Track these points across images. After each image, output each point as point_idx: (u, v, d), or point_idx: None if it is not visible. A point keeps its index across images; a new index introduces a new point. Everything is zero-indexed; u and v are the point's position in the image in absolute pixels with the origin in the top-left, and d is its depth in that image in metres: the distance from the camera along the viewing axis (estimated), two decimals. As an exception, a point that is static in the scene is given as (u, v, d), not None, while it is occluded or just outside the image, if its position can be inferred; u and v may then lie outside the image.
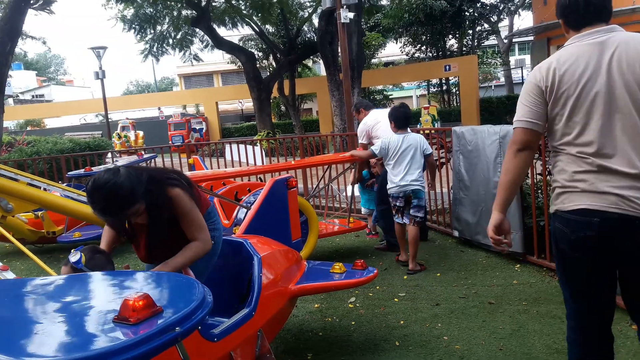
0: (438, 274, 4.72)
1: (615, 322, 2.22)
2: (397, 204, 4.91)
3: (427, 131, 7.02)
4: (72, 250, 2.26)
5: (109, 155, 9.80)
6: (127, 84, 64.64)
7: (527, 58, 36.23)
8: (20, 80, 44.23)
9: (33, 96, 44.84)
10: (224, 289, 2.94)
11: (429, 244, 5.73)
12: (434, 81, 29.55)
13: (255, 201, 4.39)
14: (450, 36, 27.39)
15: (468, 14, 25.72)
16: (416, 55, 28.70)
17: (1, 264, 3.06)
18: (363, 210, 6.42)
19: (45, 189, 4.96)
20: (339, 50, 12.82)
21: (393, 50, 31.88)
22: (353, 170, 5.71)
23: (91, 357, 1.02)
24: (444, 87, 28.83)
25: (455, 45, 28.04)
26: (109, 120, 20.65)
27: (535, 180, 4.85)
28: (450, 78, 27.12)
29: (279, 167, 6.09)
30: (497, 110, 23.96)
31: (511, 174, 2.18)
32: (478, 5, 25.55)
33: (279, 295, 2.94)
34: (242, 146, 9.52)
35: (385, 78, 28.04)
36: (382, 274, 4.79)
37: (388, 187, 4.93)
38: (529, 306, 3.82)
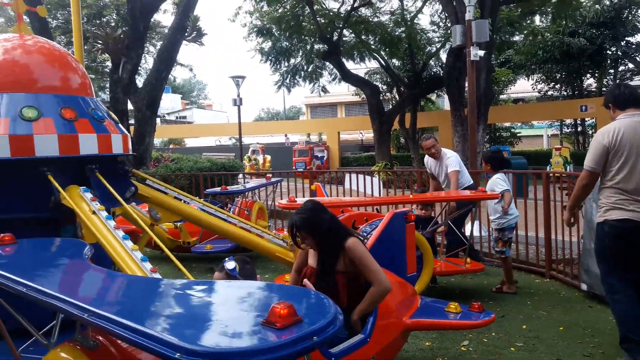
0: (561, 328, 4.45)
1: None
2: (511, 236, 5.55)
3: (557, 174, 6.67)
4: (226, 259, 2.61)
5: (240, 176, 10.60)
6: (259, 111, 69.00)
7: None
8: (167, 102, 49.38)
9: (177, 117, 49.76)
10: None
11: (552, 295, 5.41)
12: (568, 121, 27.78)
13: (371, 231, 4.52)
14: (589, 75, 25.66)
15: (610, 52, 23.94)
16: (549, 93, 27.26)
17: (151, 266, 3.48)
18: None
19: (186, 202, 5.53)
20: (466, 86, 12.66)
21: (524, 86, 30.58)
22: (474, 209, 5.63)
23: (244, 352, 1.21)
24: (579, 128, 26.94)
25: (594, 85, 26.19)
26: (243, 143, 22.31)
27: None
28: (587, 119, 25.30)
29: (397, 199, 6.18)
30: None
31: (579, 198, 3.95)
32: (622, 43, 23.68)
33: (394, 326, 3.01)
34: (360, 176, 9.77)
35: (514, 115, 26.93)
36: (498, 320, 4.63)
37: (507, 220, 5.49)
38: (666, 375, 3.47)
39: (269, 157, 25.29)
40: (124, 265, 3.41)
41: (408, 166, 23.36)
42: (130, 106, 12.55)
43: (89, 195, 3.97)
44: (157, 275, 3.40)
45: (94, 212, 3.82)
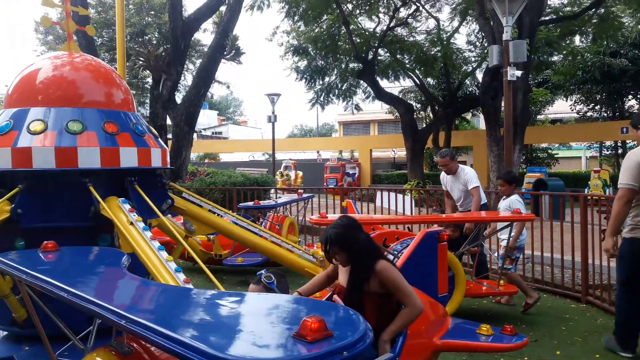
0: (597, 355, 4.30)
1: None
2: (519, 255, 5.72)
3: (595, 197, 6.50)
4: (263, 272, 2.66)
5: (272, 191, 10.72)
6: (292, 127, 69.70)
7: None
8: (204, 118, 50.44)
9: (213, 133, 50.76)
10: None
11: (588, 321, 5.24)
12: (608, 143, 27.02)
13: (402, 250, 4.49)
14: (630, 96, 24.93)
15: (654, 72, 23.22)
16: (588, 114, 26.61)
17: (184, 277, 3.56)
18: None
19: (220, 216, 5.63)
20: (502, 106, 12.48)
21: (562, 107, 29.96)
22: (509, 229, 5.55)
23: (274, 363, 1.24)
24: (619, 151, 26.14)
25: (636, 106, 25.42)
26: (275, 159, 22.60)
27: None
28: (628, 141, 24.55)
29: (429, 219, 6.13)
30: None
31: (622, 216, 4.11)
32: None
33: (423, 347, 2.98)
34: (392, 194, 9.73)
35: (552, 136, 26.37)
36: (531, 344, 4.51)
37: (519, 240, 5.60)
38: None
39: (300, 173, 25.46)
40: (158, 275, 3.49)
41: (441, 185, 23.09)
42: (169, 121, 12.90)
43: (127, 206, 4.09)
44: (190, 286, 3.47)
45: (131, 223, 3.94)
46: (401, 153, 32.04)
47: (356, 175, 28.77)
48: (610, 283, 5.81)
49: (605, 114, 25.92)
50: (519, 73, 8.84)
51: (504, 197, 5.85)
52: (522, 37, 12.56)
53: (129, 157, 4.33)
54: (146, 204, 4.33)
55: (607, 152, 28.30)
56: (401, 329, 2.78)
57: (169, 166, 4.84)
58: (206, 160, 36.03)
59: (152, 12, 25.26)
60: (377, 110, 39.28)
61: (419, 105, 26.96)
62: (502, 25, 9.09)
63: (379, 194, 9.89)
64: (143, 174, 4.58)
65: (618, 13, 18.36)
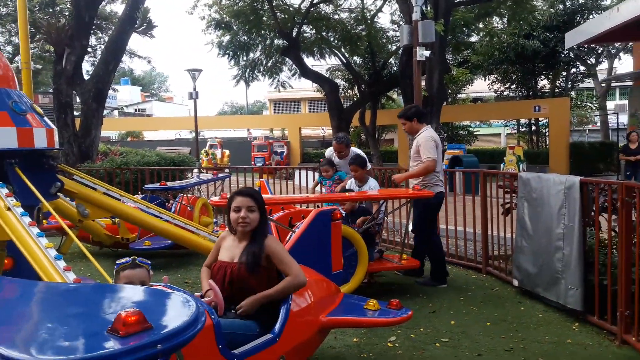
0: (488, 323, 4.55)
1: None
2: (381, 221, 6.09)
3: (492, 173, 6.84)
4: (128, 259, 2.73)
5: (195, 171, 10.43)
6: (223, 104, 68.12)
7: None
8: (126, 94, 48.10)
9: (136, 110, 48.50)
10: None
11: (485, 291, 5.53)
12: (523, 121, 28.53)
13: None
14: (543, 76, 26.35)
15: (563, 55, 24.63)
16: (505, 93, 27.90)
17: (65, 265, 3.36)
18: None
19: (118, 199, 5.37)
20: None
21: (482, 86, 31.22)
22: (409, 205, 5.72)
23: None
24: (533, 128, 27.68)
25: (548, 86, 26.92)
26: (202, 137, 21.96)
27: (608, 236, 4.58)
28: (540, 119, 26.04)
29: (333, 197, 6.16)
30: (589, 155, 22.53)
31: (417, 177, 5.70)
32: (574, 46, 24.36)
33: (307, 325, 2.99)
34: (309, 172, 9.74)
35: (472, 114, 27.48)
36: (428, 315, 4.70)
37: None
38: (578, 370, 3.58)
39: (227, 152, 24.97)
40: (36, 263, 3.29)
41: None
42: (78, 99, 12.15)
43: (4, 190, 3.80)
44: (71, 274, 3.29)
45: (8, 209, 3.67)
46: (330, 131, 32.23)
47: (284, 154, 28.66)
48: (507, 254, 6.16)
49: (520, 93, 27.27)
50: (427, 53, 9.04)
51: (359, 184, 6.02)
52: (437, 18, 12.81)
53: (6, 138, 4.03)
54: (31, 188, 4.05)
55: (523, 130, 29.89)
56: (279, 296, 2.83)
57: (57, 147, 4.54)
58: (129, 139, 34.48)
59: (63, -19, 23.50)
60: (308, 88, 39.10)
61: (345, 84, 27.06)
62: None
63: (297, 172, 9.84)
64: (27, 156, 4.28)
65: (531, -4, 19.17)
